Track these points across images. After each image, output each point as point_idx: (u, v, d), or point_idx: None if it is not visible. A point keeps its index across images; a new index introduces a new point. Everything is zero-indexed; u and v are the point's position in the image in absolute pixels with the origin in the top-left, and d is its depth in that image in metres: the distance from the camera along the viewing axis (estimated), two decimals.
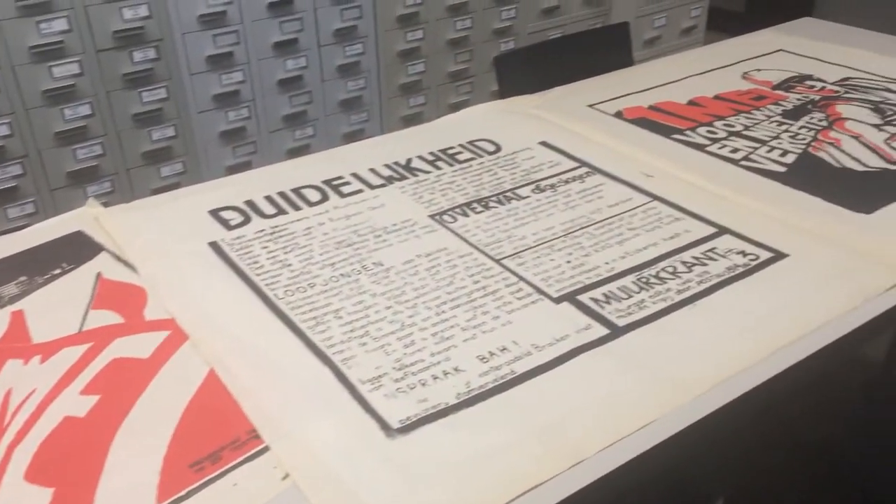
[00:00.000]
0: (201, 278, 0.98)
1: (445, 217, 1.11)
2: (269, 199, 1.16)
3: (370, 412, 0.77)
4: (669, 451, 0.75)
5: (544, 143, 1.33)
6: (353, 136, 2.27)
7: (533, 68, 1.62)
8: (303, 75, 2.06)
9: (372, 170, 1.25)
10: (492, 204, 1.14)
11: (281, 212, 1.13)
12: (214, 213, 1.13)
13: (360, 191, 1.19)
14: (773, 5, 3.92)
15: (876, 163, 1.24)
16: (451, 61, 2.40)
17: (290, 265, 1.00)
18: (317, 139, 2.17)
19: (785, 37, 1.84)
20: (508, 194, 1.17)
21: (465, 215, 1.11)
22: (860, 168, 1.22)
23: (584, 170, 1.24)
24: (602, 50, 1.73)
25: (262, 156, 2.14)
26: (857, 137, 1.33)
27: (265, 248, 1.04)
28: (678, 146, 1.32)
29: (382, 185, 1.20)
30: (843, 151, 1.28)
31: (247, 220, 1.11)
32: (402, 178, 1.22)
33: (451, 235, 1.07)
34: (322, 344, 0.86)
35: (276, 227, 1.09)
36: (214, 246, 1.05)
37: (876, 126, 1.36)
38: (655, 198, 1.15)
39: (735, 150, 1.29)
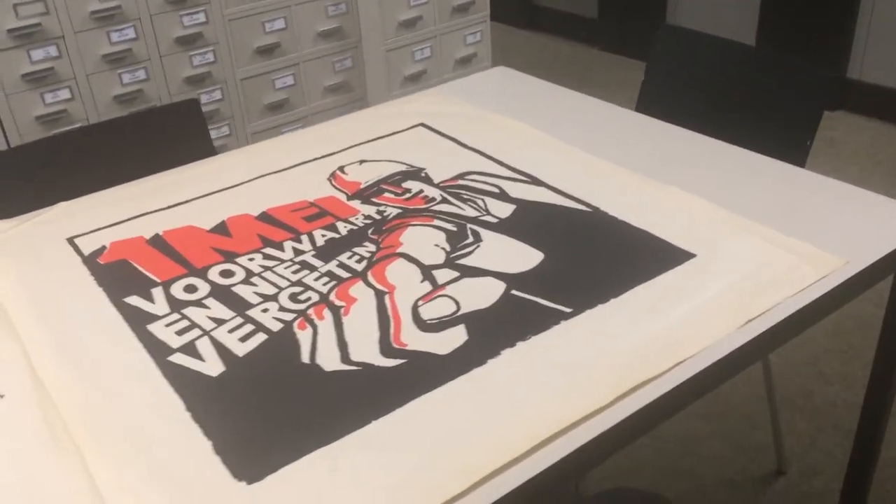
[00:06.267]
0: None
1: None
2: None
3: None
4: None
5: None
6: None
7: (41, 173, 1.18)
8: None
9: None
10: None
11: None
12: None
13: None
14: (627, 10, 3.52)
15: (370, 356, 0.81)
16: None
17: None
18: None
19: (439, 104, 1.42)
20: None
21: None
22: (338, 367, 0.81)
23: None
24: (164, 135, 1.30)
25: None
26: (385, 294, 0.91)
27: None
28: (116, 323, 0.89)
29: None
30: (338, 331, 0.86)
31: None
32: None
33: None
34: None
35: None
36: None
37: (428, 270, 0.95)
38: None
39: (187, 329, 0.87)
